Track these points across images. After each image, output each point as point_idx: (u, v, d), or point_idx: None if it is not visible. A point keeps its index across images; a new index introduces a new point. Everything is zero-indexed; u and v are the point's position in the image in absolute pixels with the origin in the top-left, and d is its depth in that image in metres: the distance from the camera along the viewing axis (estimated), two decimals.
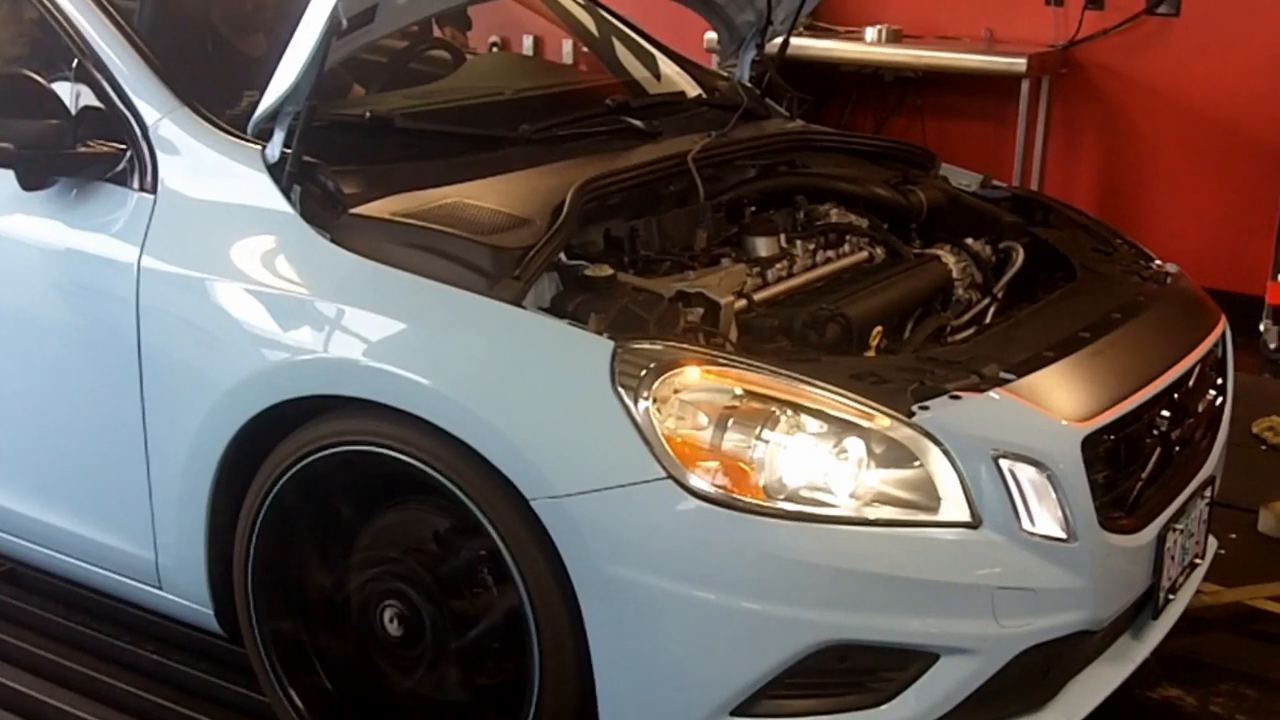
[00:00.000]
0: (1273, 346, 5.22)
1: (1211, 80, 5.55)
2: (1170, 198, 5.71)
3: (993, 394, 2.32)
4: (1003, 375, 2.36)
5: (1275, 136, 5.19)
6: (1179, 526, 2.57)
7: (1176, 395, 2.63)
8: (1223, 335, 2.91)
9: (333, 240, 2.46)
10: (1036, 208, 3.27)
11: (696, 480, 2.17)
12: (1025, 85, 5.60)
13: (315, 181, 2.51)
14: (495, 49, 6.56)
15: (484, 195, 2.61)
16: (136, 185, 2.63)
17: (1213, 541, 2.92)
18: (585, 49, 4.04)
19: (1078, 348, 2.53)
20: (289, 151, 2.49)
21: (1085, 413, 2.37)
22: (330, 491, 2.49)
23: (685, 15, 3.61)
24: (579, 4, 3.88)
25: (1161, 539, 2.49)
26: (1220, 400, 2.87)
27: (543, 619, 2.27)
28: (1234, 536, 3.52)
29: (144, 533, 2.70)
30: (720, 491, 2.17)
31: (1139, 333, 2.68)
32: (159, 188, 2.61)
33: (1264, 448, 4.26)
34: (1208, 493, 2.74)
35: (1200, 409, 2.76)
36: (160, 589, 2.76)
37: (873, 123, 6.20)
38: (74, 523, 2.84)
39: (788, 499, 2.19)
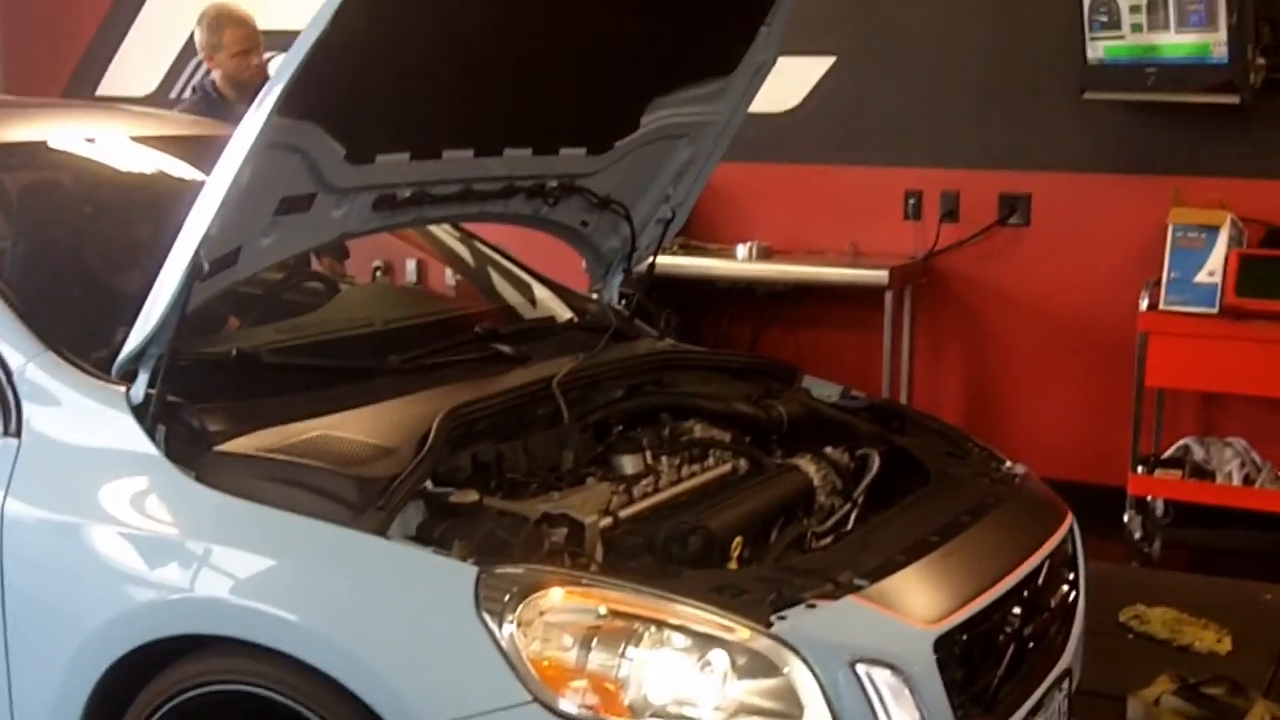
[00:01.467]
0: (1137, 536, 5.38)
1: (1063, 284, 5.82)
2: (1033, 396, 5.92)
3: (848, 600, 2.39)
4: (857, 582, 2.43)
5: (1124, 334, 5.42)
6: None
7: (1027, 592, 2.72)
8: (1070, 531, 3.02)
9: (198, 479, 2.49)
10: (893, 416, 3.40)
11: (564, 703, 2.20)
12: (889, 296, 5.81)
13: (180, 421, 2.54)
14: (379, 273, 6.70)
15: (351, 426, 2.67)
16: (1, 430, 2.65)
17: None
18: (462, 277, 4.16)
19: (929, 551, 2.62)
20: (153, 392, 2.53)
21: (936, 615, 2.45)
22: None
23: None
24: (454, 236, 4.01)
25: None
26: (1073, 594, 2.96)
27: None
28: None
29: None
30: (588, 712, 2.20)
31: (987, 534, 2.79)
32: (24, 432, 2.63)
33: (1131, 636, 4.34)
34: (1065, 685, 2.81)
35: (1053, 604, 2.85)
36: None
37: (748, 335, 6.38)
38: None
39: (654, 715, 2.22)
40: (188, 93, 5.80)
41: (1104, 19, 5.39)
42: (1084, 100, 5.55)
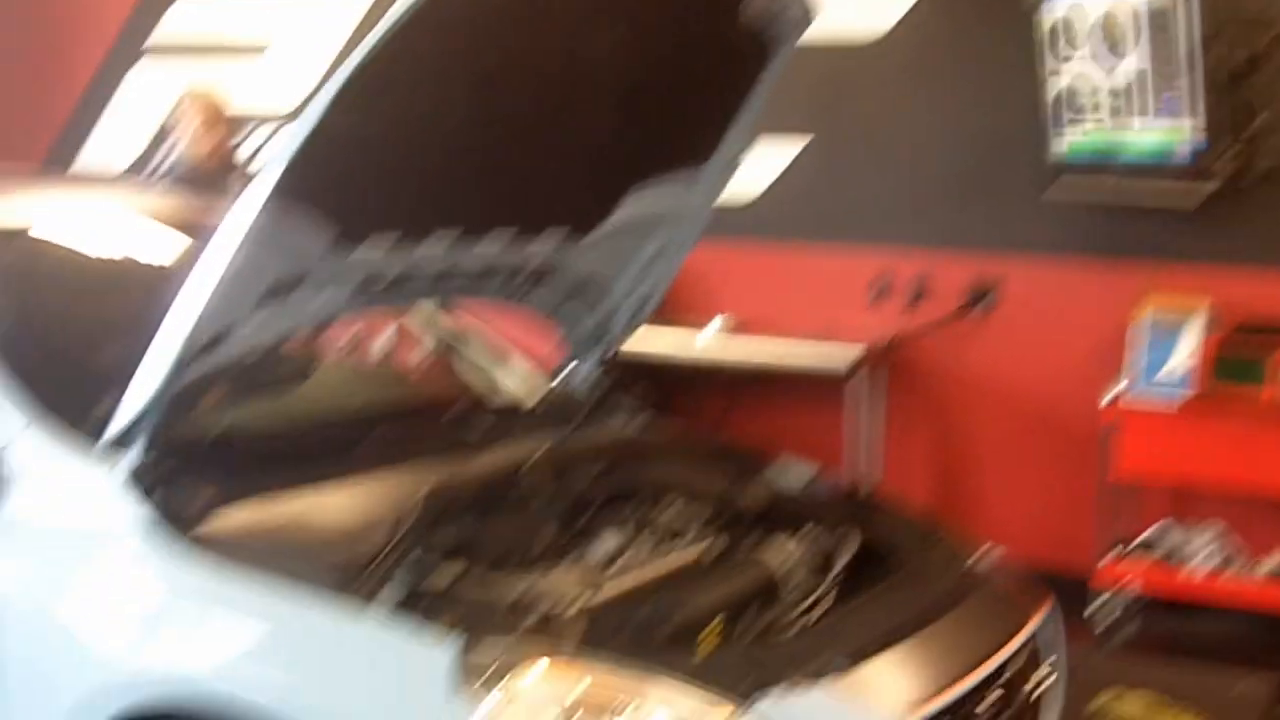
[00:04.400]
0: (1105, 624, 5.39)
1: (1029, 368, 5.85)
2: (999, 482, 5.92)
3: (826, 684, 2.41)
4: (835, 663, 2.46)
5: (1090, 419, 5.46)
6: None
7: (1004, 679, 2.75)
8: (1048, 616, 3.05)
9: (186, 551, 2.51)
10: (865, 501, 3.44)
11: None
12: (859, 378, 5.87)
13: (168, 495, 2.57)
14: (355, 343, 6.69)
15: (334, 503, 2.70)
16: None
17: None
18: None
19: (904, 638, 2.65)
20: (142, 466, 2.56)
21: (912, 701, 2.47)
22: None
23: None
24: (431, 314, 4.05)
25: None
26: (1052, 678, 2.98)
27: None
28: None
29: None
30: None
31: (962, 621, 2.82)
32: (7, 504, 2.65)
33: None
34: None
35: (1030, 689, 2.88)
36: None
37: (718, 412, 6.37)
38: None
39: None
40: (164, 167, 5.89)
41: (1074, 114, 5.48)
42: (1057, 186, 5.63)
